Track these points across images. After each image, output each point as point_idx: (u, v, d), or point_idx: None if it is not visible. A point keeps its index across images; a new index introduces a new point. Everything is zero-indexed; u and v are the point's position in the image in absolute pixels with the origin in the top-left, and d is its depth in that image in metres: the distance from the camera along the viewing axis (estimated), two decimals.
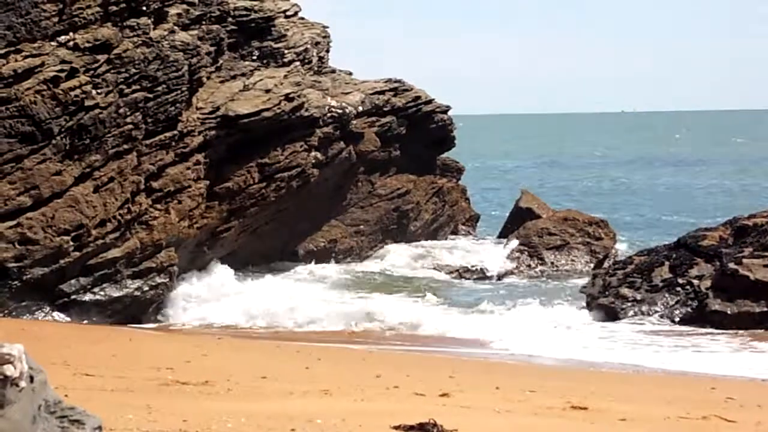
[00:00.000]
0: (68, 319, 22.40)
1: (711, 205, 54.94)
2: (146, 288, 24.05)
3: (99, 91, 23.18)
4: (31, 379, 4.80)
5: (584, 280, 28.38)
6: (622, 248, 35.78)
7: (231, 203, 26.43)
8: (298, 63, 29.37)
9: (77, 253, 22.75)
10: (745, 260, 23.42)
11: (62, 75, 22.67)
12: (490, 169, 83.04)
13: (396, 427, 9.98)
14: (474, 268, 32.85)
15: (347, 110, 29.80)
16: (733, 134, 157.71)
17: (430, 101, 34.92)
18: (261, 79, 27.57)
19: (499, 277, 32.04)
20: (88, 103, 22.91)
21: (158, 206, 24.47)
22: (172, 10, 25.39)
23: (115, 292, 23.51)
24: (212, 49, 26.24)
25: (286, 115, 27.05)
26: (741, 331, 22.31)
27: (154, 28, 24.53)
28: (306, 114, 27.63)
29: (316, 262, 31.25)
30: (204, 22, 26.27)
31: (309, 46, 30.47)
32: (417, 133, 34.20)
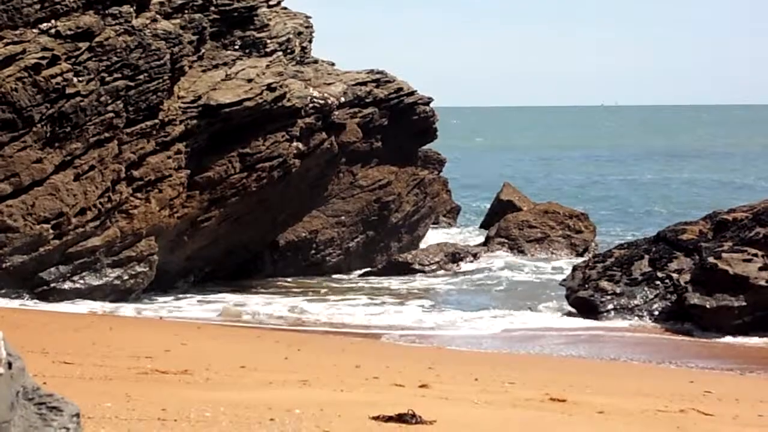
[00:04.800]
0: (47, 307, 22.35)
1: (693, 199, 55.14)
2: (126, 277, 24.03)
3: (80, 78, 23.12)
4: (9, 365, 4.79)
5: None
6: (602, 241, 35.90)
7: (212, 193, 26.38)
8: (280, 53, 29.31)
9: (57, 241, 22.70)
10: (724, 255, 23.49)
11: (44, 62, 22.61)
12: (473, 161, 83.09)
13: (375, 418, 9.98)
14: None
15: (329, 101, 29.76)
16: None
17: (412, 93, 34.89)
18: (243, 69, 27.50)
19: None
20: (69, 90, 22.85)
21: (139, 195, 24.43)
22: None
23: (94, 281, 23.49)
24: (194, 38, 26.18)
25: (268, 105, 27.00)
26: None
27: (136, 17, 24.47)
28: (288, 104, 27.58)
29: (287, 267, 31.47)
30: (186, 11, 26.20)
31: (291, 36, 30.40)
32: (399, 124, 34.19)
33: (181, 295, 26.11)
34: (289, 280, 30.07)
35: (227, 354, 15.94)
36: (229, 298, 26.05)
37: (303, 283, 29.49)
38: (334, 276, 31.53)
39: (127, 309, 23.20)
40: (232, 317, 23.27)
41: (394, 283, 29.89)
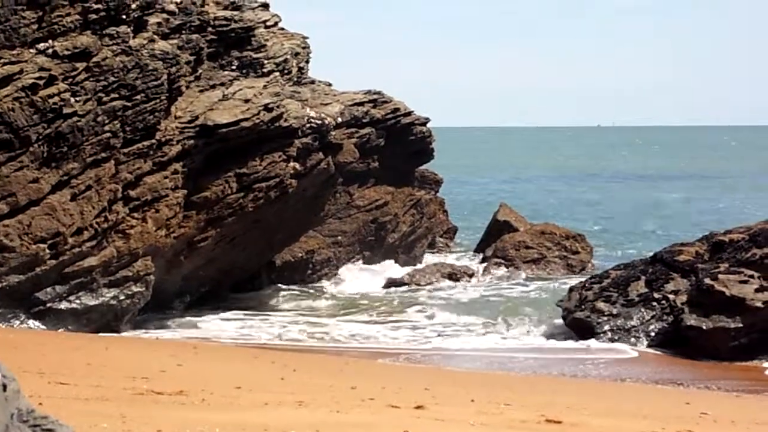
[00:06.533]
0: (43, 327, 22.31)
1: (690, 220, 55.16)
2: (122, 297, 23.99)
3: (77, 98, 23.13)
4: (4, 387, 4.78)
5: None
6: (599, 262, 35.89)
7: (208, 213, 26.36)
8: (277, 73, 29.33)
9: (53, 261, 22.67)
10: (720, 276, 23.51)
11: (41, 82, 22.62)
12: (465, 183, 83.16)
13: None
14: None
15: (326, 121, 29.79)
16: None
17: (409, 113, 34.96)
18: (240, 89, 27.52)
19: None
20: (66, 110, 22.85)
21: (135, 215, 24.41)
22: (152, 19, 25.36)
23: (90, 301, 23.44)
24: (191, 58, 26.20)
25: (265, 125, 27.01)
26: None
27: (134, 37, 24.49)
28: (285, 124, 27.60)
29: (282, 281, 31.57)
30: (184, 32, 26.24)
31: (289, 56, 30.44)
32: (396, 144, 34.24)
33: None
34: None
35: (223, 374, 15.92)
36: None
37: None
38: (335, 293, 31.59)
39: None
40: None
41: (390, 299, 29.89)
